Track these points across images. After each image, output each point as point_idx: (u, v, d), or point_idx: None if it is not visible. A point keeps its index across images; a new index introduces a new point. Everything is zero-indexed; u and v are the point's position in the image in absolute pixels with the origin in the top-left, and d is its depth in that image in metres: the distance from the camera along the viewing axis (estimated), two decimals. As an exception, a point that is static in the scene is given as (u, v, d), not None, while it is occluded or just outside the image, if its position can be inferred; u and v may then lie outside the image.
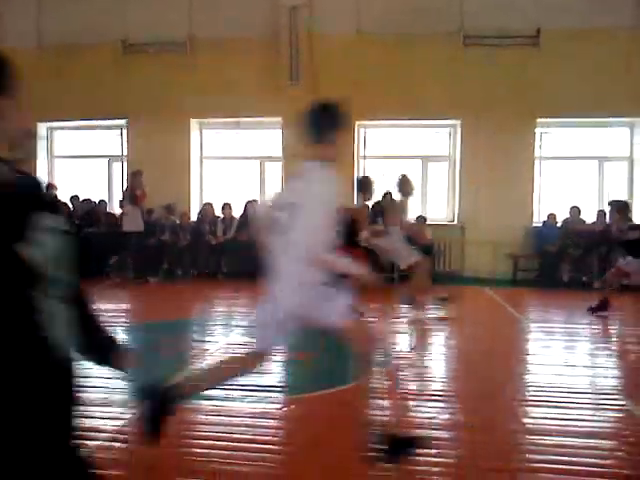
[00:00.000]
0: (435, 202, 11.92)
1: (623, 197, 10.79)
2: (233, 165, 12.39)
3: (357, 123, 11.51)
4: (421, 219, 11.09)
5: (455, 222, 11.55)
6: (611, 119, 11.29)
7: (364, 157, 11.88)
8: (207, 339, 6.47)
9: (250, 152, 12.19)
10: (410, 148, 11.87)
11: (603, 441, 3.65)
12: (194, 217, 11.53)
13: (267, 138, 12.10)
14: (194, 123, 12.08)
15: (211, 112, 11.68)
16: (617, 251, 9.50)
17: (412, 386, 4.84)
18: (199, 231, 11.08)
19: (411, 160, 11.84)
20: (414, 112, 11.10)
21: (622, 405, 4.38)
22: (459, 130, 11.47)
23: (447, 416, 4.11)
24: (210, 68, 11.50)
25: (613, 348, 6.65)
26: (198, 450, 3.47)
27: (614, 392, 4.70)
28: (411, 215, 11.10)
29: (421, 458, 3.35)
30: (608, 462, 3.39)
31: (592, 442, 3.64)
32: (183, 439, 3.66)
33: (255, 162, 12.20)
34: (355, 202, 7.68)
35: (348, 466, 3.28)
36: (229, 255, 11.00)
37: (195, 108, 11.67)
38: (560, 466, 3.26)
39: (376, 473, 3.16)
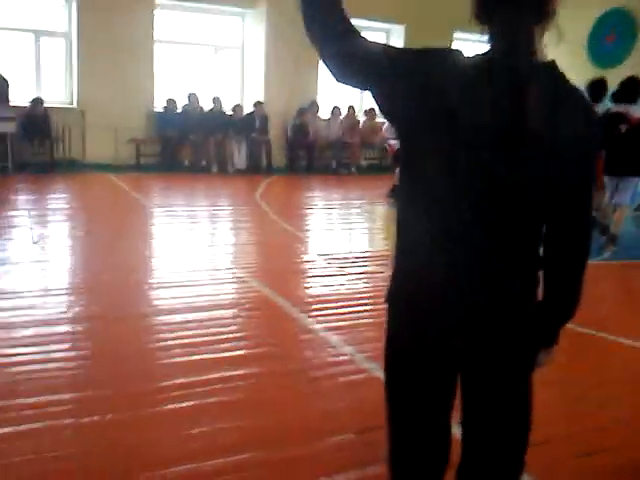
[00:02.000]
0: (50, 83, 10.86)
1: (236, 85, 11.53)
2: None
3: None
4: (38, 101, 10.06)
5: (74, 105, 10.81)
6: (225, 7, 11.73)
7: None
8: None
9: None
10: (19, 20, 10.42)
11: (224, 311, 4.08)
12: None
13: None
14: None
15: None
16: (232, 137, 10.26)
17: (38, 282, 4.58)
18: None
19: (22, 34, 10.48)
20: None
21: (239, 277, 4.95)
22: (74, 3, 10.49)
23: (78, 309, 4.06)
24: None
25: (230, 227, 7.36)
26: None
27: (232, 266, 5.26)
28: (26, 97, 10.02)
29: (54, 354, 3.28)
30: (230, 329, 3.83)
31: (215, 314, 4.03)
32: None
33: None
34: None
35: None
36: None
37: None
38: (190, 340, 3.55)
39: (6, 380, 2.98)
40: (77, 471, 2.27)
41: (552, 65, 1.36)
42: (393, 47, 1.42)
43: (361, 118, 12.89)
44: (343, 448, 2.48)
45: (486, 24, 1.34)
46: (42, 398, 2.78)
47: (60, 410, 2.69)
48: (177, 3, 11.42)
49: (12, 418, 2.60)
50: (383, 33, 13.47)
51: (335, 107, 12.46)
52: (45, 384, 2.94)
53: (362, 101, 13.34)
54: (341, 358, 3.38)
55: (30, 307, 3.99)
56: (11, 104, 9.72)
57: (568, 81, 1.36)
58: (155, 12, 11.13)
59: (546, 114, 1.29)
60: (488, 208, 1.34)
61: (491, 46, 1.34)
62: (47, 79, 10.80)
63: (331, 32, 1.37)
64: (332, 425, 2.65)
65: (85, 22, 10.42)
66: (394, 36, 13.30)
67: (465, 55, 1.37)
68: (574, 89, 1.36)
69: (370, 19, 12.62)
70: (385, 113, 1.45)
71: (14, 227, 6.43)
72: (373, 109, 12.53)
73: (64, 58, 10.83)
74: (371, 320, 3.90)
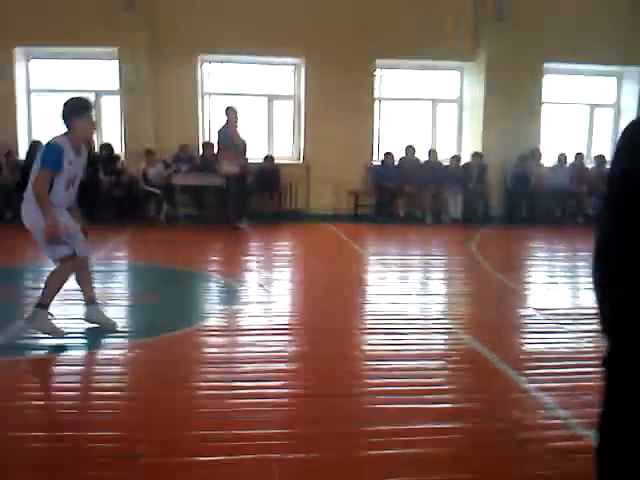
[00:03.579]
0: (281, 141, 11.95)
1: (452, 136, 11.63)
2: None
3: (199, 57, 11.10)
4: (270, 158, 11.08)
5: (300, 161, 11.71)
6: (443, 62, 11.93)
7: (208, 94, 11.56)
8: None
9: (84, 85, 11.30)
10: (254, 85, 11.72)
11: (431, 362, 4.00)
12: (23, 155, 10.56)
13: (102, 70, 11.26)
14: (19, 52, 10.90)
15: (39, 39, 10.54)
16: (447, 187, 10.22)
17: (260, 321, 4.96)
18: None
19: (257, 98, 11.72)
20: (257, 47, 10.90)
21: (449, 328, 4.85)
22: (303, 68, 11.48)
23: (293, 348, 4.28)
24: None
25: (442, 277, 7.27)
26: (38, 402, 3.32)
27: (442, 317, 5.17)
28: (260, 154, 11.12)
29: (268, 390, 3.48)
30: (436, 380, 3.75)
31: (422, 363, 3.98)
32: (23, 392, 3.48)
33: (90, 95, 11.31)
34: None
35: (197, 406, 3.33)
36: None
37: (20, 34, 10.49)
38: (395, 387, 3.54)
39: (224, 409, 3.24)
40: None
41: None
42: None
43: (589, 165, 12.05)
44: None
45: None
46: (254, 432, 2.96)
47: (269, 444, 2.84)
48: (398, 62, 11.88)
49: (226, 447, 2.80)
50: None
51: (562, 154, 11.83)
52: (258, 418, 3.13)
53: (591, 147, 12.51)
54: (554, 422, 3.10)
55: (251, 344, 4.32)
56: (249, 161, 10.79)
57: None
58: (376, 73, 11.72)
59: None
60: None
61: None
62: (278, 138, 11.88)
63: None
64: (540, 494, 2.43)
65: (311, 85, 11.33)
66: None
67: None
68: None
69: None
70: None
71: (246, 271, 7.08)
72: (603, 156, 11.68)
73: (292, 118, 11.84)
74: (592, 383, 3.53)
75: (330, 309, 5.41)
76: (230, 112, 9.80)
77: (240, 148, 9.94)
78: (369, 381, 3.75)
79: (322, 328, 4.83)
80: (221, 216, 10.25)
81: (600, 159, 11.73)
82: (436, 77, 12.41)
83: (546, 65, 11.88)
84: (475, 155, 11.54)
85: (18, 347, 4.13)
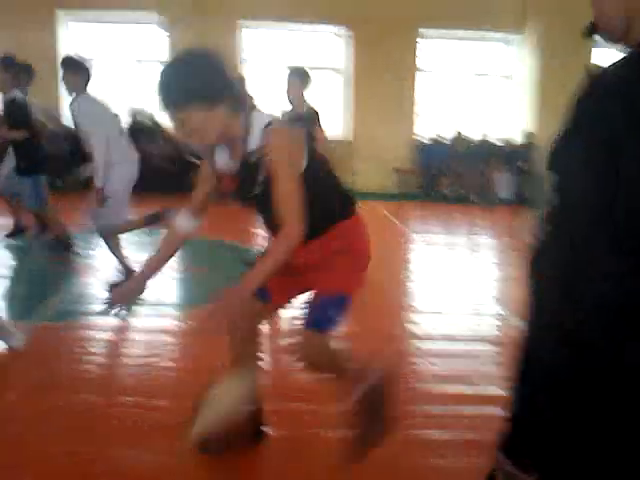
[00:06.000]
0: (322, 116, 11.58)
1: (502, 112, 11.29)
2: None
3: (238, 23, 10.96)
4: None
5: (341, 136, 11.60)
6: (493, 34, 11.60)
7: (248, 62, 11.43)
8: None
9: (127, 51, 11.27)
10: (295, 56, 11.51)
11: (479, 346, 3.94)
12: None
13: (145, 36, 11.18)
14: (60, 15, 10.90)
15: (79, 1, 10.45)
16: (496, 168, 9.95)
17: (304, 295, 4.93)
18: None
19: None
20: (298, 15, 10.64)
21: (499, 313, 4.69)
22: (344, 40, 11.29)
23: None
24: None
25: (490, 259, 7.15)
26: (93, 367, 3.40)
27: (491, 300, 5.08)
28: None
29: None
30: (484, 364, 3.69)
31: (469, 347, 3.93)
32: (77, 355, 3.57)
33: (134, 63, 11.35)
34: None
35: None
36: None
37: None
38: (440, 370, 3.51)
39: (277, 382, 3.26)
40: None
41: None
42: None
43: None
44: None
45: None
46: (302, 406, 2.98)
47: (310, 420, 2.88)
48: (445, 32, 11.55)
49: (287, 421, 2.85)
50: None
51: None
52: (303, 393, 3.13)
53: None
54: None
55: (295, 318, 4.31)
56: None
57: None
58: (421, 43, 11.45)
59: None
60: None
61: None
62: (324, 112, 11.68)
63: None
64: None
65: (354, 56, 11.07)
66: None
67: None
68: None
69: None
70: None
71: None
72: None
73: (340, 91, 11.66)
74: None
75: (375, 286, 5.37)
76: None
77: None
78: (413, 360, 3.70)
79: (363, 305, 4.79)
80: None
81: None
82: (486, 50, 12.05)
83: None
84: (526, 134, 11.26)
85: (70, 313, 4.23)
